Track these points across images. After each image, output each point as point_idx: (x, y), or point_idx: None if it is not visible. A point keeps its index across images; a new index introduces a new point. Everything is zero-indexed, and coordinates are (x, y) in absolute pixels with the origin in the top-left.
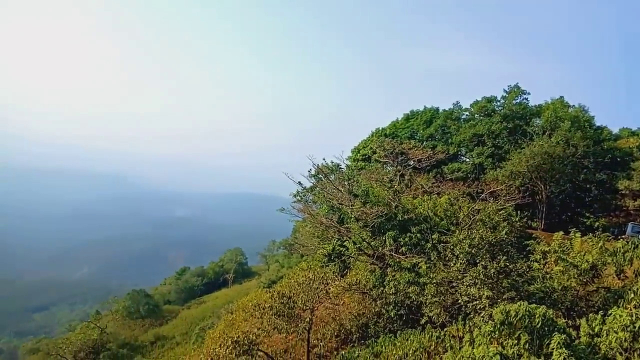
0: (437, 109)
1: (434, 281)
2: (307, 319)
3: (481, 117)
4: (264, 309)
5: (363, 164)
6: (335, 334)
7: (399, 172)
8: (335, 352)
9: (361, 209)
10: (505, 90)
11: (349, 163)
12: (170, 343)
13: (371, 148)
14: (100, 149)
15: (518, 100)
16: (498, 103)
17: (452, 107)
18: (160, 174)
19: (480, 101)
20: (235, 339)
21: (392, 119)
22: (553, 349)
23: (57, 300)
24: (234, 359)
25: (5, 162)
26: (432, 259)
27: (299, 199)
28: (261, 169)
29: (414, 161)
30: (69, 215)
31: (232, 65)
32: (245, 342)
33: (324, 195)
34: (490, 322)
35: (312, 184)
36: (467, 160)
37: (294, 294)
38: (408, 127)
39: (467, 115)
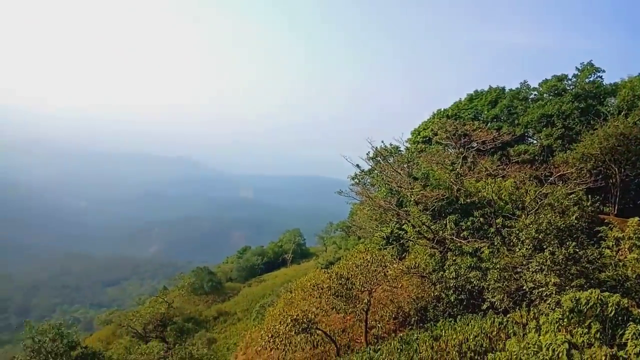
0: (503, 89)
1: (497, 266)
2: (365, 300)
3: (550, 97)
4: (322, 289)
5: (423, 146)
6: (393, 316)
7: (462, 154)
8: (393, 334)
9: (421, 192)
10: (577, 69)
11: (409, 145)
12: (232, 319)
13: (432, 130)
14: (169, 134)
15: (591, 79)
16: (569, 82)
17: (519, 87)
18: (225, 157)
19: (550, 80)
20: (295, 317)
21: (454, 100)
22: (627, 339)
23: (129, 275)
24: (293, 336)
25: (86, 148)
26: (496, 243)
27: (357, 181)
28: (321, 152)
29: (477, 143)
30: (140, 197)
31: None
32: (304, 320)
33: (383, 178)
34: (558, 309)
35: (370, 167)
36: (535, 142)
37: (352, 275)
38: (471, 107)
39: (535, 95)
